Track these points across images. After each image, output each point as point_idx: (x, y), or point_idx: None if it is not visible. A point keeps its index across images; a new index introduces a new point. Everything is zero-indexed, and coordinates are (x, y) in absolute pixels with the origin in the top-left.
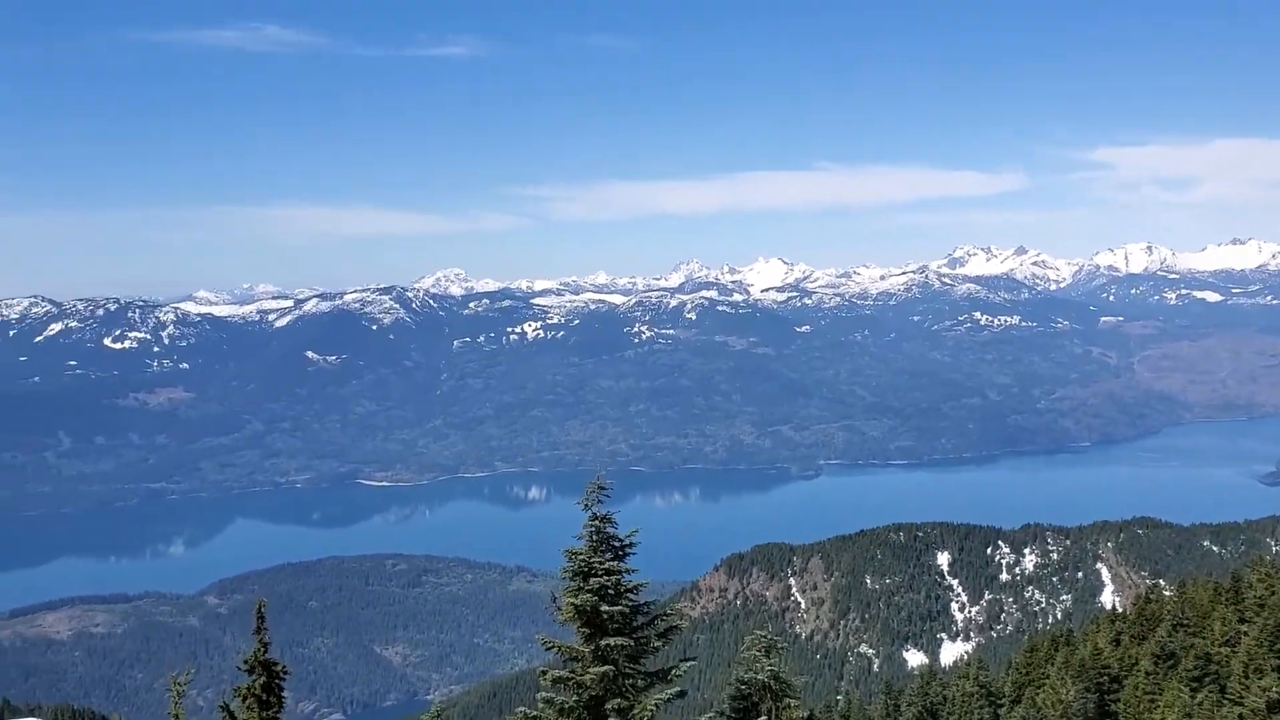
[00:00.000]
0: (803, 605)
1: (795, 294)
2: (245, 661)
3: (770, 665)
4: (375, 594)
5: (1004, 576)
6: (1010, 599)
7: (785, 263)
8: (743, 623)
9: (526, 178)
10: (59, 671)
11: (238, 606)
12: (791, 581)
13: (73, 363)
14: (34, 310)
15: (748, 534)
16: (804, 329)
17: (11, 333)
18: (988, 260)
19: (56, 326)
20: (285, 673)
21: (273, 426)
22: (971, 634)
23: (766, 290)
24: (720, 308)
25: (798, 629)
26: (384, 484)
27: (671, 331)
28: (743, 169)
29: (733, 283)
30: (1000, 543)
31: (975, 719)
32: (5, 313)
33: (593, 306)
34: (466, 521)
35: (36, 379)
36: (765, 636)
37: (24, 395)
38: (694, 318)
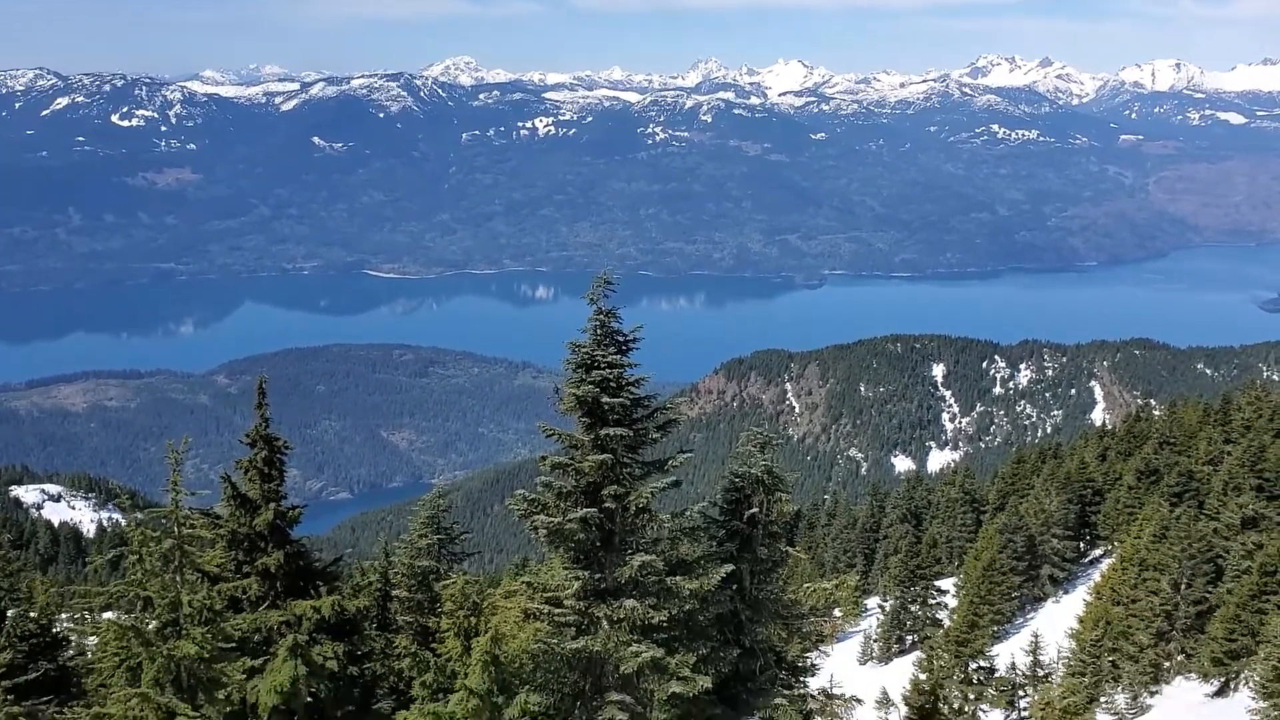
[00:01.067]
0: (797, 409)
1: (813, 99)
2: (247, 435)
3: (764, 460)
4: (382, 381)
5: (997, 390)
6: (1001, 412)
7: (805, 66)
8: (739, 424)
9: None
10: (75, 441)
11: (247, 387)
12: (788, 386)
13: (81, 139)
14: (40, 83)
15: (749, 340)
16: (819, 136)
17: (17, 105)
18: (1010, 71)
19: (63, 101)
20: (287, 447)
21: (280, 212)
22: (960, 444)
23: (784, 94)
24: (736, 110)
25: (791, 431)
26: (391, 275)
27: (686, 134)
28: None
29: (750, 85)
30: (996, 357)
31: (958, 523)
32: (10, 85)
33: (606, 104)
34: (473, 317)
35: (45, 154)
36: (760, 433)
37: (33, 170)
38: (709, 120)
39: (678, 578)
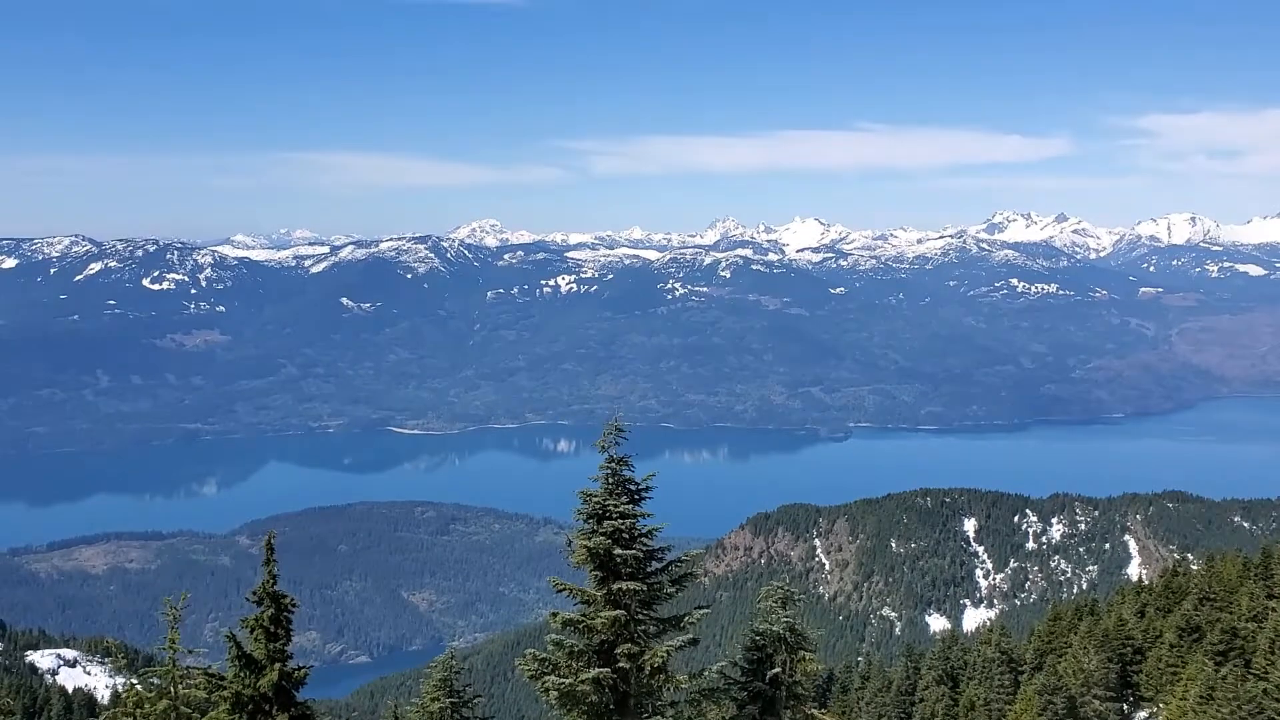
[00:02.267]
0: (827, 566)
1: (831, 255)
2: (254, 593)
3: (786, 617)
4: (404, 540)
5: (1030, 545)
6: (1035, 568)
7: (822, 223)
8: (766, 581)
9: (566, 130)
10: (94, 604)
11: None
12: (816, 542)
13: (112, 302)
14: (75, 249)
15: (774, 494)
16: (838, 290)
17: (52, 270)
18: (1027, 227)
19: (96, 266)
20: (294, 606)
21: (307, 371)
22: (995, 601)
23: (802, 250)
24: (755, 266)
25: (821, 589)
26: (415, 432)
27: (705, 289)
28: (783, 127)
29: (768, 242)
30: (1028, 511)
31: (995, 684)
32: (47, 251)
33: (627, 261)
34: (495, 472)
35: (76, 317)
36: (782, 588)
37: (64, 333)
38: (728, 276)
39: None
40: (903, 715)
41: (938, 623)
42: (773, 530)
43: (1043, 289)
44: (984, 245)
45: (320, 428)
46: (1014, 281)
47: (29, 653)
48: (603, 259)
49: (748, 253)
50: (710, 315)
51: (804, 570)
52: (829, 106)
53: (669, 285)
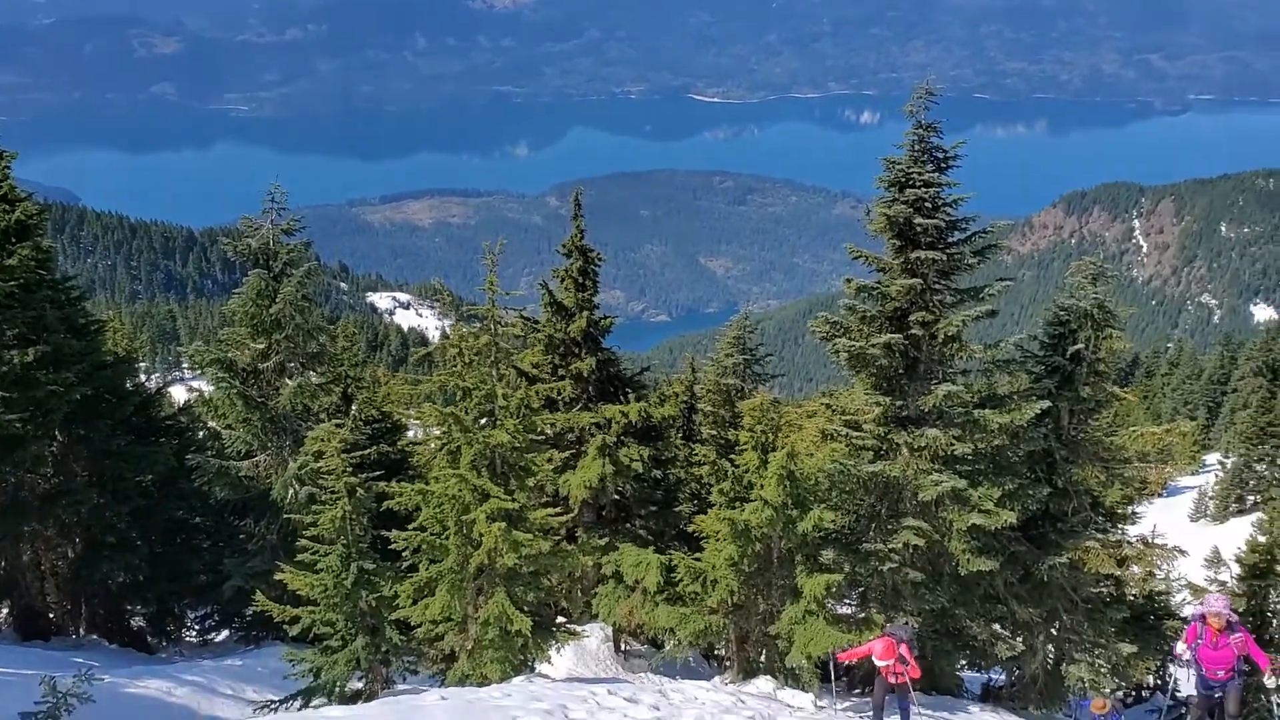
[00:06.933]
0: (1144, 249)
1: None
2: (564, 245)
3: (1095, 293)
4: (702, 208)
5: None
6: None
7: None
8: (1076, 261)
9: None
10: (422, 254)
11: None
12: (1135, 223)
13: None
14: None
15: (1094, 172)
16: None
17: None
18: None
19: None
20: (600, 260)
21: (609, 34)
22: None
23: None
24: None
25: (1135, 272)
26: (715, 99)
27: None
28: None
29: None
30: None
31: None
32: None
33: None
34: (794, 143)
35: None
36: (1093, 263)
37: None
38: None
39: (986, 410)
40: (1210, 403)
41: (1264, 313)
42: (1088, 210)
43: None
44: None
45: (623, 93)
46: None
47: (369, 294)
48: None
49: None
50: None
51: (1118, 252)
52: None
53: None
